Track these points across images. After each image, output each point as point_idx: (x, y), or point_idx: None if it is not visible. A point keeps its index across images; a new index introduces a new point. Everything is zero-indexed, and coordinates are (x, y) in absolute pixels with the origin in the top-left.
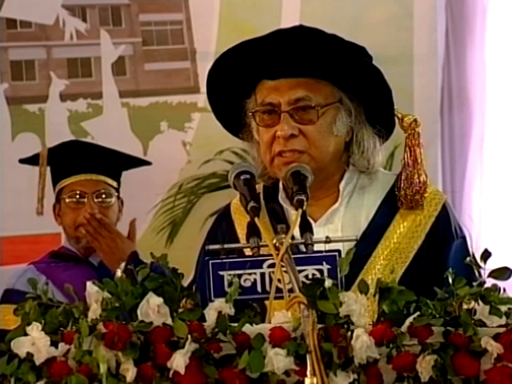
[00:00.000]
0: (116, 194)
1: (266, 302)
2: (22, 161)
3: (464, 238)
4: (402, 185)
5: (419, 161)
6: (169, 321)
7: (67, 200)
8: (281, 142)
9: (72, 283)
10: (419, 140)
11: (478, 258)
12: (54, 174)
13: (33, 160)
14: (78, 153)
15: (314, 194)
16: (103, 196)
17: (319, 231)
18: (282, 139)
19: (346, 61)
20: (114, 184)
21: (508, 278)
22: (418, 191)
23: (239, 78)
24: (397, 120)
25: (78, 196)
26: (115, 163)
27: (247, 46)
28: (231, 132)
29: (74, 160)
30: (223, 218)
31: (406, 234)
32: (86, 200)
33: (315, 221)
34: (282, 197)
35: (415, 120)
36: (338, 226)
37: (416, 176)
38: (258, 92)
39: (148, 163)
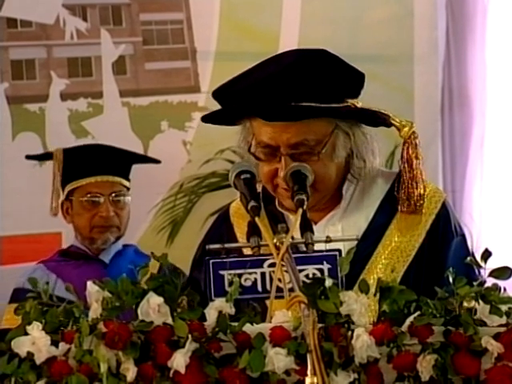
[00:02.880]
0: (128, 193)
1: (267, 302)
2: (28, 157)
3: (463, 235)
4: (402, 196)
5: (416, 173)
6: (169, 320)
7: (83, 200)
8: (283, 180)
9: (82, 282)
10: (417, 151)
11: (478, 257)
12: (66, 174)
13: (40, 157)
14: (94, 155)
15: (316, 206)
16: (119, 197)
17: (320, 233)
18: (284, 179)
19: (342, 101)
20: (128, 184)
21: (508, 277)
22: (415, 202)
23: (231, 114)
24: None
25: (94, 197)
26: (128, 164)
27: (239, 92)
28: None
29: (90, 161)
30: (222, 221)
31: (406, 233)
32: (101, 200)
33: (316, 223)
34: (278, 205)
35: (413, 132)
36: (338, 227)
37: (413, 188)
38: (254, 122)
39: (158, 162)
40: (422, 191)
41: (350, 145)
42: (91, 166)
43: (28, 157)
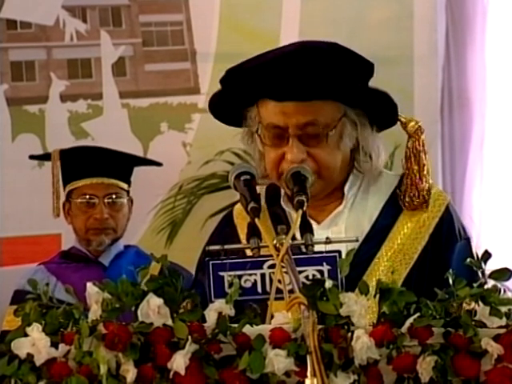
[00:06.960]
0: (126, 195)
1: (267, 303)
2: (31, 157)
3: (468, 239)
4: (408, 191)
5: (425, 167)
6: (169, 322)
7: (78, 202)
8: (290, 164)
9: (82, 284)
10: (424, 147)
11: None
12: (64, 175)
13: (42, 157)
14: (90, 156)
15: (319, 203)
16: (114, 198)
17: (323, 234)
18: (291, 162)
19: (352, 84)
20: (125, 186)
21: (508, 278)
22: (424, 197)
23: (242, 93)
24: (400, 123)
25: (88, 198)
26: (126, 166)
27: (252, 69)
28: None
29: (86, 163)
30: (226, 222)
31: (409, 235)
32: (96, 202)
33: (319, 223)
34: (284, 200)
35: (419, 127)
36: (341, 228)
37: (422, 182)
38: (262, 108)
39: (159, 164)
40: (429, 185)
41: (356, 135)
42: (87, 167)
43: (31, 157)
